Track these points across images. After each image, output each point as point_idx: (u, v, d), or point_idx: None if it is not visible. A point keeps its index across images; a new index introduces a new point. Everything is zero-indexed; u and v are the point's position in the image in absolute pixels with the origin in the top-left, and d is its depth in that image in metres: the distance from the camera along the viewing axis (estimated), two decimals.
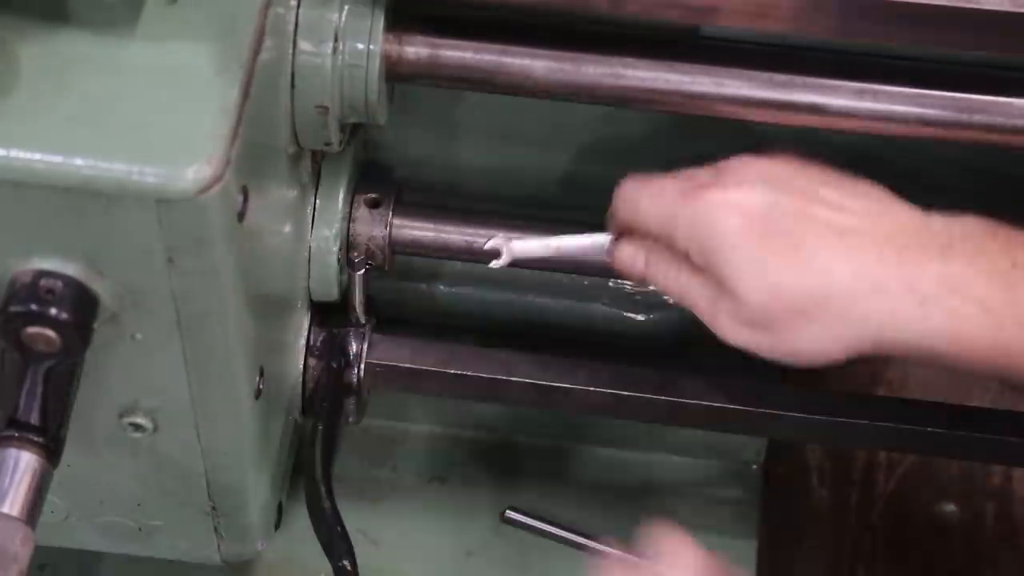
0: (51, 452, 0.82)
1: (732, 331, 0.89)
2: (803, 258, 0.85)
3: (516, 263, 0.98)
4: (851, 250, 0.85)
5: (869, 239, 0.85)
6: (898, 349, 0.86)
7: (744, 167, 0.90)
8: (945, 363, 0.85)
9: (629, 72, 0.93)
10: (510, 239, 0.97)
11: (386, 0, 0.91)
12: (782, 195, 0.87)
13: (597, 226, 0.96)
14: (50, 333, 0.77)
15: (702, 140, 1.05)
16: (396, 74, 0.94)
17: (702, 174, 0.91)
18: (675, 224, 0.89)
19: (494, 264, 0.97)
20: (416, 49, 0.93)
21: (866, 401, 1.12)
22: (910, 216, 0.86)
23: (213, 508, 0.97)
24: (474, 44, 0.93)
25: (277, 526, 1.06)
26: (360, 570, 0.99)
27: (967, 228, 0.86)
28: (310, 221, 1.01)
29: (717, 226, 0.87)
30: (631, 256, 0.93)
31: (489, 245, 0.98)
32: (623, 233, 0.94)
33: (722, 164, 0.91)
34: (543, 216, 1.05)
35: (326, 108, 0.91)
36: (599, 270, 0.99)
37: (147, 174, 0.73)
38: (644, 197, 0.92)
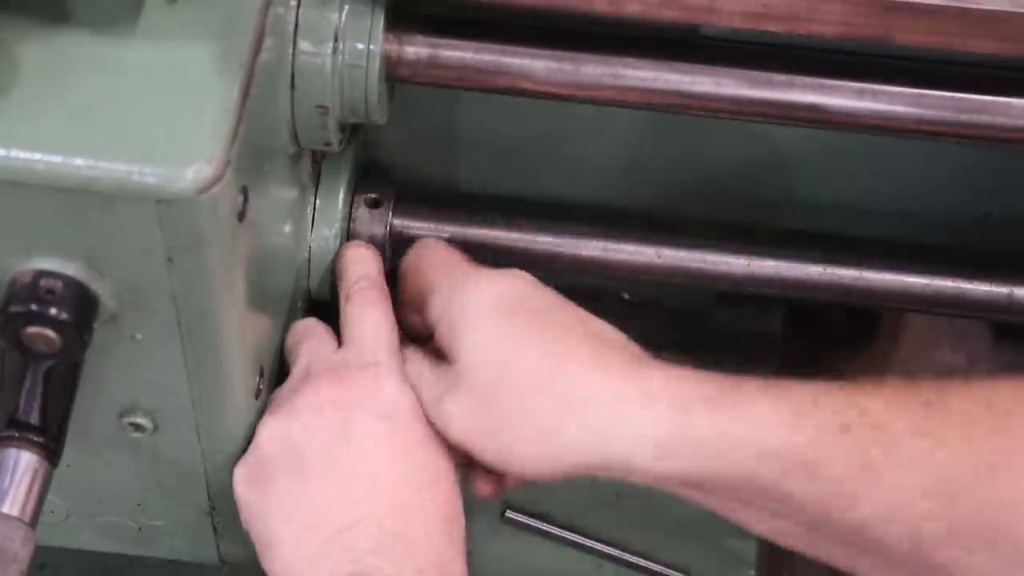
0: (51, 452, 0.82)
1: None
2: (534, 423, 0.87)
3: None
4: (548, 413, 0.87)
5: (560, 399, 0.87)
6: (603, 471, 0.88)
7: (469, 315, 0.90)
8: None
9: (629, 72, 0.93)
10: None
11: (386, 0, 0.91)
12: (521, 348, 0.88)
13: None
14: (50, 333, 0.77)
15: (701, 139, 1.06)
16: (396, 74, 0.94)
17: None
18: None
19: None
20: (416, 49, 0.93)
21: None
22: (605, 370, 0.88)
23: (213, 508, 0.97)
24: (474, 44, 0.93)
25: None
26: None
27: (668, 376, 0.87)
28: (310, 221, 1.01)
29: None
30: None
31: None
32: None
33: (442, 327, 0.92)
34: (543, 214, 1.05)
35: (326, 108, 0.91)
36: None
37: (147, 174, 0.73)
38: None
